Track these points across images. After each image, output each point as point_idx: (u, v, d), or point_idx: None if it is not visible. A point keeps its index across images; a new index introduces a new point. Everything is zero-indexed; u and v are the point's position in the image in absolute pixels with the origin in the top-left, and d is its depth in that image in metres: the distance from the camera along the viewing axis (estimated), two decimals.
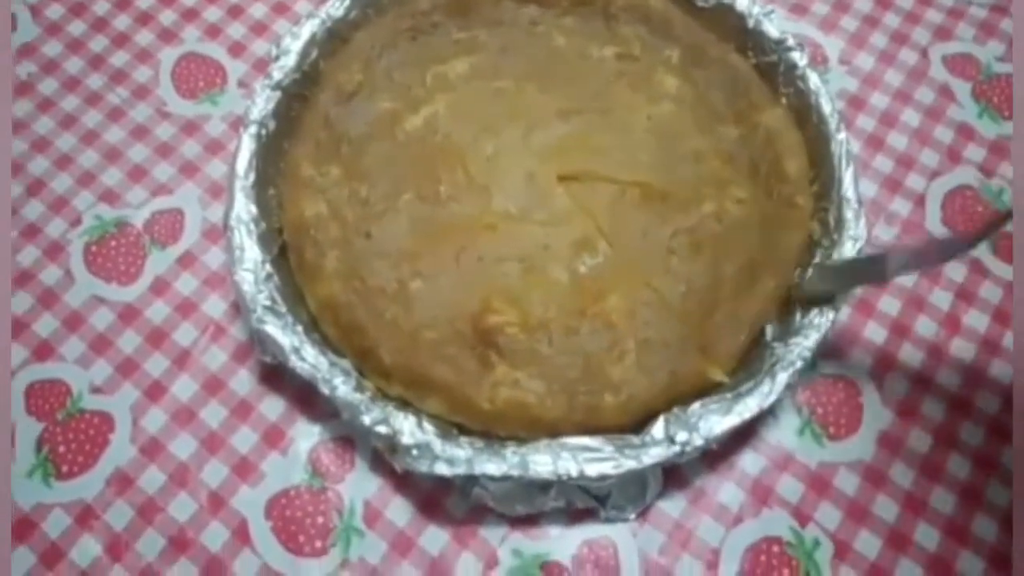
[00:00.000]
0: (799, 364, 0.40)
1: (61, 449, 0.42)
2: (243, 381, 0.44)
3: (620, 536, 0.41)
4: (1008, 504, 0.42)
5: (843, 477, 0.42)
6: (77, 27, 0.54)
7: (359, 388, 0.40)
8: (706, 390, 0.41)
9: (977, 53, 0.54)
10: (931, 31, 0.55)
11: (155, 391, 0.43)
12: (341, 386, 0.39)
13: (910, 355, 0.45)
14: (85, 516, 0.40)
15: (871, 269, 0.41)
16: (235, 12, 0.55)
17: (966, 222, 0.49)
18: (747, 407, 0.39)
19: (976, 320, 0.46)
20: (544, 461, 0.38)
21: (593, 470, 0.38)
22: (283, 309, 0.41)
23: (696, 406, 0.39)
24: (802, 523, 0.41)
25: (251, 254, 0.42)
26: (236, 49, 0.54)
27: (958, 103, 0.53)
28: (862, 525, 0.41)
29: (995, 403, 0.44)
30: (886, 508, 0.42)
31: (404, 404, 0.40)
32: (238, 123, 0.50)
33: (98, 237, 0.47)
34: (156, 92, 0.52)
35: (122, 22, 0.54)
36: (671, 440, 0.38)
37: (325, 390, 0.39)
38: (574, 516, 0.40)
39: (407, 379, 0.40)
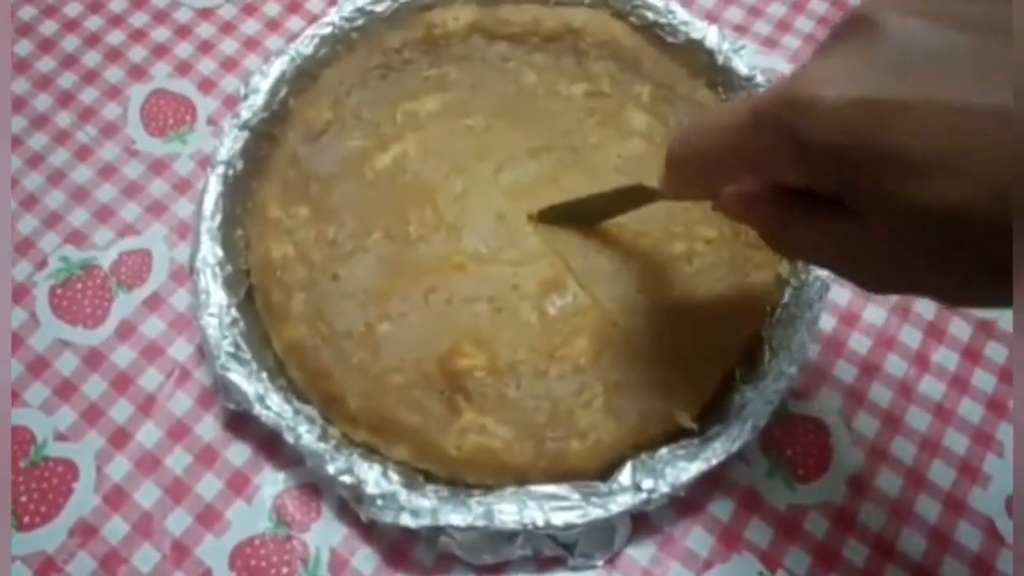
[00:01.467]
0: (768, 409, 0.40)
1: (23, 499, 0.41)
2: (208, 427, 0.43)
3: None
4: (979, 547, 0.42)
5: (812, 520, 0.42)
6: (46, 64, 0.54)
7: (324, 436, 0.39)
8: (675, 434, 0.41)
9: None
10: None
11: (120, 438, 0.43)
12: (305, 435, 0.39)
13: (880, 395, 0.45)
14: (46, 568, 0.40)
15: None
16: (205, 48, 0.55)
17: None
18: (715, 452, 0.39)
19: (945, 358, 0.47)
20: (510, 511, 0.38)
21: (559, 519, 0.38)
22: (247, 355, 0.41)
23: (663, 451, 0.39)
24: (771, 568, 0.41)
25: (216, 298, 0.42)
26: (206, 86, 0.53)
27: None
28: (832, 570, 0.41)
29: (964, 443, 0.44)
30: (856, 551, 0.41)
31: (370, 451, 0.40)
32: (207, 161, 0.50)
33: (64, 279, 0.47)
34: (125, 130, 0.52)
35: (91, 58, 0.54)
36: (637, 487, 0.38)
37: (290, 439, 0.39)
38: (542, 564, 0.40)
39: (373, 425, 0.40)
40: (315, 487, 0.42)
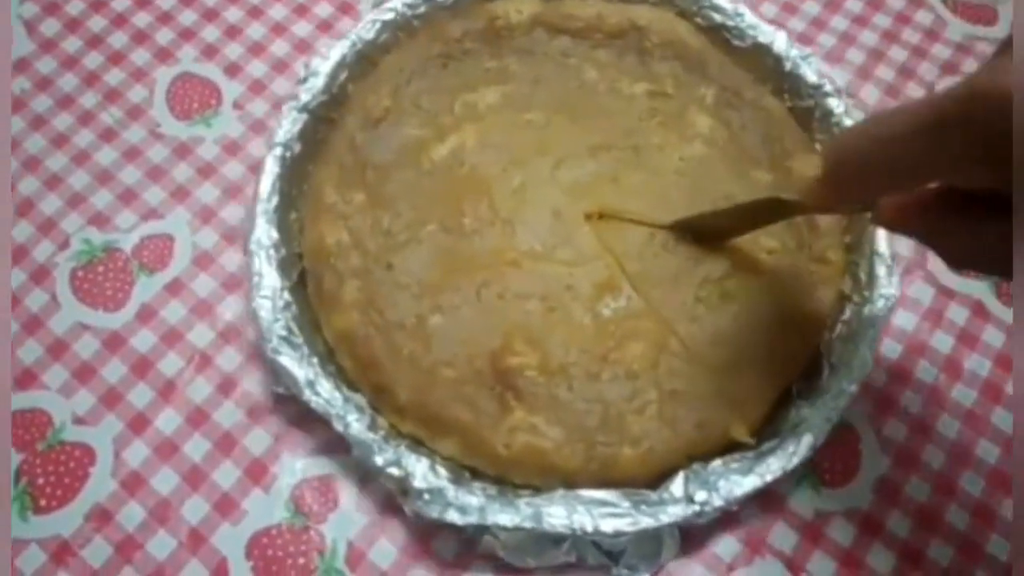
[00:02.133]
0: (827, 427, 0.39)
1: (40, 482, 0.41)
2: (228, 414, 0.43)
3: None
4: (1008, 558, 0.41)
5: (838, 526, 0.41)
6: (72, 44, 0.53)
7: (373, 427, 0.39)
8: (728, 446, 0.40)
9: None
10: (938, 66, 0.54)
11: (138, 423, 0.42)
12: (355, 423, 0.38)
13: (910, 400, 0.44)
14: (61, 553, 0.39)
15: None
16: (232, 32, 0.54)
17: None
18: (769, 468, 0.38)
19: (978, 365, 0.46)
20: (559, 514, 0.37)
21: (608, 526, 0.37)
22: (299, 340, 0.40)
23: (717, 464, 0.38)
24: (795, 574, 0.40)
25: (270, 280, 0.41)
26: (232, 70, 0.53)
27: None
28: None
29: (995, 452, 0.43)
30: (881, 559, 0.41)
31: (417, 443, 0.39)
32: (232, 146, 0.50)
33: (86, 262, 0.46)
34: (150, 113, 0.51)
35: (118, 40, 0.54)
36: (690, 499, 0.37)
37: (339, 427, 0.38)
38: (584, 573, 0.39)
39: (422, 418, 0.40)
40: (333, 478, 0.41)
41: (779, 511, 0.41)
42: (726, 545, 0.41)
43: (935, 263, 0.48)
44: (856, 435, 0.43)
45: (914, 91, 0.54)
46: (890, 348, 0.46)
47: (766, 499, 0.42)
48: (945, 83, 0.54)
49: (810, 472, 0.42)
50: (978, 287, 0.47)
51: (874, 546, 0.41)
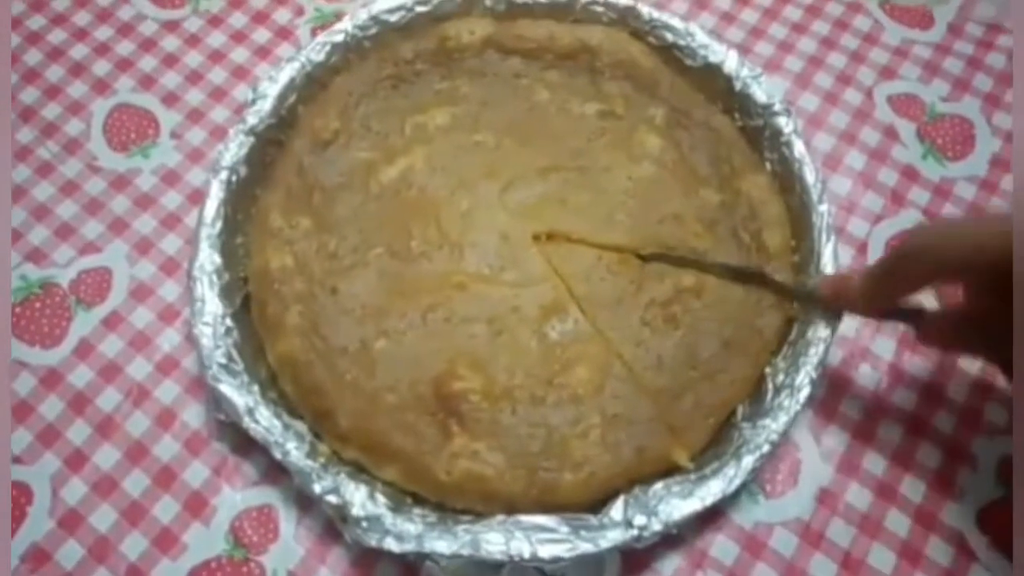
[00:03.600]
0: (766, 448, 0.39)
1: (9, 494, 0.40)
2: (166, 447, 0.43)
3: None
4: (950, 562, 0.41)
5: (779, 537, 0.41)
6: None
7: (312, 454, 0.39)
8: (669, 470, 0.40)
9: (922, 93, 0.54)
10: (876, 71, 0.55)
11: (76, 460, 0.42)
12: (294, 451, 0.38)
13: (850, 407, 0.45)
14: None
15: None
16: (169, 61, 0.54)
17: None
18: (710, 491, 0.38)
19: (919, 369, 0.46)
20: (496, 540, 0.37)
21: (547, 552, 0.37)
22: (239, 367, 0.40)
23: (658, 487, 0.38)
24: None
25: (211, 307, 0.41)
26: (170, 99, 0.53)
27: (902, 143, 0.52)
28: None
29: (936, 455, 0.43)
30: (823, 569, 0.41)
31: (359, 469, 0.39)
32: (170, 176, 0.50)
33: (23, 299, 0.46)
34: (87, 146, 0.51)
35: (54, 73, 0.54)
36: (629, 524, 0.37)
37: (277, 454, 0.38)
38: None
39: (364, 444, 0.40)
40: (272, 508, 0.41)
41: (720, 524, 0.41)
42: (668, 561, 0.41)
43: None
44: (796, 445, 0.43)
45: (852, 97, 0.54)
46: (832, 355, 0.46)
47: (707, 512, 0.41)
48: (882, 89, 0.54)
49: (751, 483, 0.42)
50: None
51: (815, 556, 0.41)
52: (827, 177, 0.51)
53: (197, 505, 0.41)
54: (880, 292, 0.39)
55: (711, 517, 0.41)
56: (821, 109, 0.54)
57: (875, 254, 0.49)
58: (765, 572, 0.40)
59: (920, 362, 0.46)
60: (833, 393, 0.45)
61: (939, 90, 0.54)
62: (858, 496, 0.42)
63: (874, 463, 0.43)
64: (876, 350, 0.46)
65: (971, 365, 0.46)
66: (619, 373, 0.41)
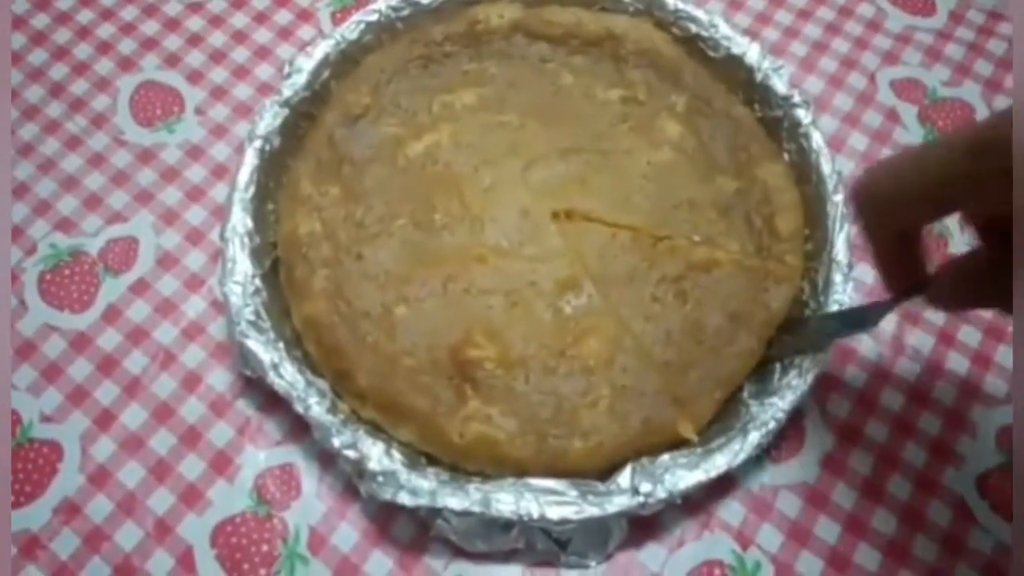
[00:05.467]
0: (772, 425, 0.40)
1: (9, 479, 0.42)
2: (192, 408, 0.44)
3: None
4: (948, 524, 0.42)
5: (785, 499, 0.43)
6: (38, 56, 0.55)
7: (333, 410, 0.40)
8: (676, 443, 0.41)
9: (923, 78, 0.55)
10: (880, 56, 0.56)
11: (105, 419, 0.44)
12: (315, 406, 0.40)
13: (853, 376, 0.46)
14: (31, 546, 0.40)
15: (810, 336, 0.42)
16: (194, 41, 0.56)
17: None
18: (715, 464, 0.39)
19: (920, 341, 0.47)
20: (507, 500, 0.38)
21: (555, 513, 0.38)
22: (267, 324, 0.42)
23: (665, 458, 0.39)
24: (744, 546, 0.41)
25: (242, 267, 0.43)
26: (194, 77, 0.54)
27: (904, 126, 0.54)
28: (804, 547, 0.41)
29: (936, 424, 0.45)
30: (828, 530, 0.42)
31: (377, 429, 0.41)
32: (194, 151, 0.52)
33: (52, 266, 0.48)
34: (113, 120, 0.53)
35: (83, 51, 0.55)
36: (635, 491, 0.38)
37: (299, 409, 0.40)
38: (534, 559, 0.41)
39: (381, 404, 0.41)
40: (295, 466, 0.43)
41: (727, 487, 0.43)
42: (675, 522, 0.42)
43: None
44: (801, 411, 0.45)
45: (857, 80, 0.55)
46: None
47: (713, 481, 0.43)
48: (885, 73, 0.56)
49: None
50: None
51: (820, 518, 0.42)
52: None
53: (222, 463, 0.43)
54: (880, 260, 0.36)
55: (718, 481, 0.43)
56: (825, 93, 0.55)
57: None
58: (771, 532, 0.42)
59: (922, 335, 0.47)
60: (837, 364, 0.46)
61: (940, 75, 0.55)
62: (861, 461, 0.44)
63: (877, 430, 0.44)
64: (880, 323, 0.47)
65: (971, 338, 0.47)
66: (629, 347, 0.43)
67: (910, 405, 0.45)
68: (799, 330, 0.43)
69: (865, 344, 0.47)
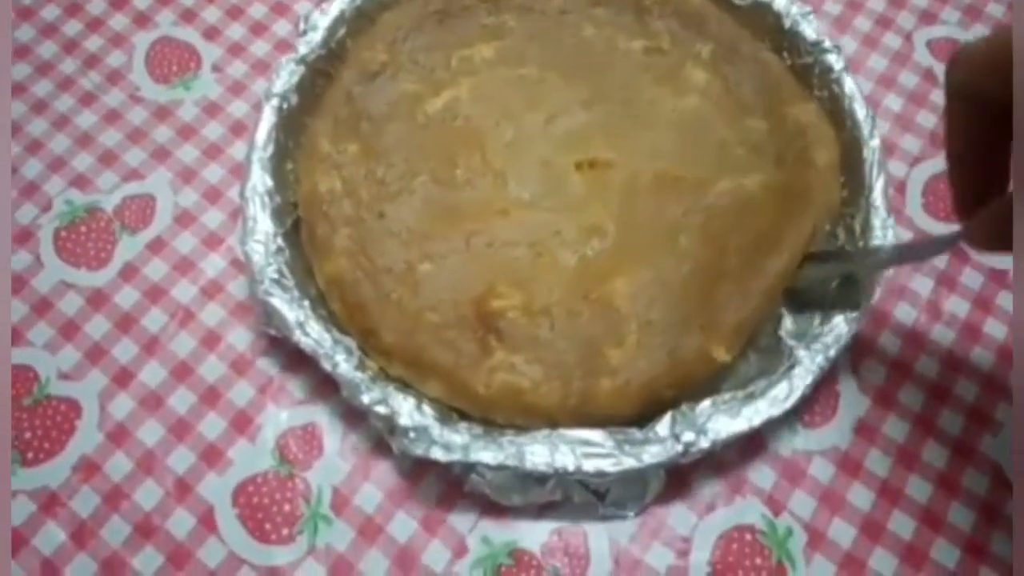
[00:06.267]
0: (819, 373, 0.39)
1: (27, 436, 0.41)
2: (212, 367, 0.43)
3: (591, 524, 0.40)
4: (986, 492, 0.41)
5: (818, 465, 0.42)
6: (51, 12, 0.54)
7: (361, 367, 0.39)
8: (711, 374, 0.40)
9: (961, 37, 0.54)
10: (916, 15, 0.55)
11: (123, 377, 0.43)
12: (343, 363, 0.39)
13: (888, 342, 0.45)
14: (50, 503, 0.40)
15: (857, 261, 0.40)
16: None
17: (947, 208, 0.48)
18: (757, 412, 0.38)
19: (957, 306, 0.46)
20: (541, 453, 0.37)
21: (591, 466, 0.37)
22: (291, 283, 0.41)
23: (706, 404, 0.38)
24: (775, 511, 0.41)
25: (263, 226, 0.42)
26: (211, 33, 0.53)
27: (941, 88, 0.52)
28: (836, 514, 0.41)
29: (973, 390, 0.44)
30: (861, 497, 0.41)
31: (405, 386, 0.40)
32: (211, 108, 0.51)
33: (68, 222, 0.47)
34: (129, 77, 0.51)
35: (96, 6, 0.54)
36: (676, 438, 0.37)
37: (327, 366, 0.39)
38: (571, 510, 0.40)
39: (407, 360, 0.40)
40: (317, 426, 0.42)
41: (758, 451, 0.42)
42: (706, 485, 0.41)
43: (912, 208, 0.49)
44: (835, 376, 0.44)
45: (892, 40, 0.54)
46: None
47: (746, 440, 0.42)
48: (922, 33, 0.54)
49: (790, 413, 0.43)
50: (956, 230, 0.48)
51: (853, 484, 0.41)
52: None
53: (243, 422, 0.42)
54: (953, 161, 0.33)
55: (749, 444, 0.42)
56: (859, 52, 0.53)
57: (913, 195, 0.49)
58: (803, 498, 0.41)
59: (958, 300, 0.46)
60: (871, 328, 0.45)
61: (979, 34, 0.54)
62: (896, 428, 0.43)
63: (912, 396, 0.43)
64: (914, 287, 0.46)
65: (1009, 303, 0.46)
66: (655, 280, 0.42)
67: (946, 371, 0.44)
68: (842, 259, 0.41)
69: (900, 309, 0.46)
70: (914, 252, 0.41)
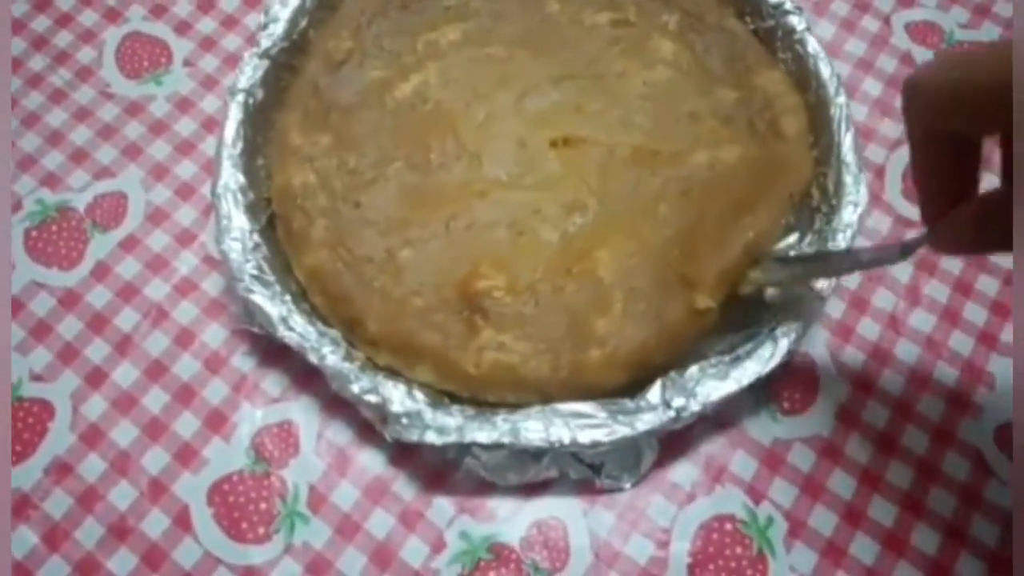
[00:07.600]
0: (802, 329, 0.39)
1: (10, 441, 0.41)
2: (186, 366, 0.43)
3: (570, 517, 0.40)
4: (966, 477, 0.41)
5: (798, 453, 0.41)
6: (19, 7, 0.53)
7: (348, 357, 0.39)
8: (698, 334, 0.40)
9: (940, 20, 0.53)
10: None
11: (96, 378, 0.42)
12: (330, 355, 0.38)
13: (868, 327, 0.45)
14: (22, 506, 0.39)
15: (821, 265, 0.40)
16: None
17: None
18: (745, 373, 0.38)
19: (936, 291, 0.46)
20: (535, 428, 0.37)
21: (586, 437, 0.37)
22: (271, 279, 0.40)
23: (694, 369, 0.39)
24: (756, 500, 0.40)
25: (238, 223, 0.41)
26: (182, 28, 0.52)
27: None
28: (817, 501, 0.40)
29: (953, 375, 0.43)
30: (842, 484, 0.41)
31: (393, 373, 0.40)
32: (183, 103, 0.50)
33: (39, 222, 0.46)
34: (99, 73, 0.51)
35: (65, 2, 0.53)
36: (667, 404, 0.37)
37: (314, 359, 0.38)
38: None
39: (394, 347, 0.40)
40: (292, 424, 0.41)
41: (738, 440, 0.42)
42: (685, 474, 0.41)
43: (891, 194, 0.48)
44: (813, 362, 0.43)
45: (869, 24, 0.53)
46: (848, 277, 0.46)
47: (725, 428, 0.42)
48: (900, 16, 0.54)
49: (768, 401, 0.43)
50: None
51: (834, 472, 0.41)
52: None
53: (217, 421, 0.41)
54: (917, 170, 0.33)
55: (728, 433, 0.42)
56: (838, 37, 0.53)
57: (893, 179, 0.49)
58: (784, 487, 0.41)
59: (938, 284, 0.46)
60: (849, 314, 0.45)
61: (958, 17, 0.53)
62: (876, 413, 0.42)
63: (892, 382, 0.43)
64: (894, 273, 0.46)
65: (989, 288, 0.46)
66: (636, 249, 0.41)
67: (926, 355, 0.44)
68: (819, 262, 0.41)
69: (879, 295, 0.45)
70: (878, 257, 0.41)
